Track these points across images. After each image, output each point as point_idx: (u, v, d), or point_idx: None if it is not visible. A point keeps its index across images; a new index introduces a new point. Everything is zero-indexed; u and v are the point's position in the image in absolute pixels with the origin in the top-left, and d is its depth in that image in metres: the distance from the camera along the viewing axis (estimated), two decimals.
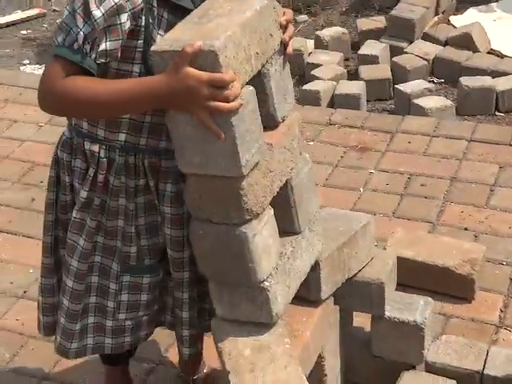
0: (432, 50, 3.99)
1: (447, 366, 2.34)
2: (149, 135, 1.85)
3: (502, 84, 3.71)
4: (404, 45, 4.02)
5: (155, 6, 1.77)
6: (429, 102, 3.53)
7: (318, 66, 3.89)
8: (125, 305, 2.06)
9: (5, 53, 4.68)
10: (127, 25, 1.71)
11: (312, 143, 3.45)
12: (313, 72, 3.83)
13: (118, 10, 1.68)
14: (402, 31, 4.07)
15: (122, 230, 1.95)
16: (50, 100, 1.78)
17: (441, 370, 2.34)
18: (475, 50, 4.04)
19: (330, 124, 3.54)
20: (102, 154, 1.89)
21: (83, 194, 1.93)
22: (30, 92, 3.83)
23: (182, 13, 1.78)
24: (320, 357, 2.26)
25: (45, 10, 5.15)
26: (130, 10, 1.71)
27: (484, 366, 2.30)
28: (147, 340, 2.22)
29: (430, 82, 3.90)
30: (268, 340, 1.93)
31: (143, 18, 1.76)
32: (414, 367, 2.34)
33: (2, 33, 4.96)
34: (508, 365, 2.30)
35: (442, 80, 3.94)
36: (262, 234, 1.84)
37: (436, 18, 4.26)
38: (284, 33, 1.85)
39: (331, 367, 2.35)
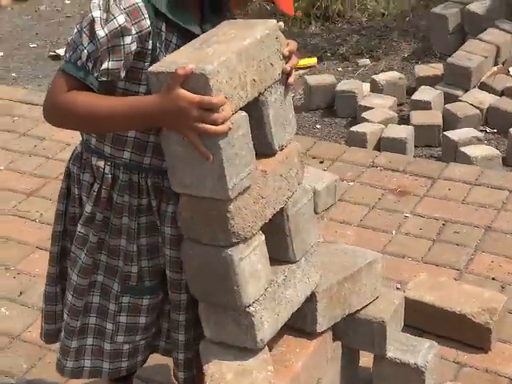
0: (487, 99, 3.94)
1: None
2: (153, 155, 1.89)
3: None
4: (459, 93, 3.98)
5: (164, 30, 1.84)
6: (475, 151, 3.50)
7: (370, 108, 3.91)
8: (123, 327, 2.08)
9: None
10: (133, 47, 1.77)
11: (352, 183, 3.47)
12: (363, 114, 3.85)
13: (122, 32, 1.74)
14: (458, 79, 4.04)
15: (124, 249, 1.99)
16: (53, 112, 1.85)
17: None
18: None
19: (373, 166, 3.54)
20: (106, 170, 1.94)
21: (88, 208, 1.98)
22: None
23: (190, 38, 1.83)
24: None
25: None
26: (137, 33, 1.78)
27: None
28: (145, 364, 2.23)
29: (482, 131, 3.85)
30: (251, 365, 1.94)
31: (150, 41, 1.82)
32: None
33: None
34: None
35: (495, 130, 3.89)
36: (251, 258, 1.85)
37: (495, 68, 4.21)
38: (286, 63, 1.88)
39: None
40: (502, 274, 2.91)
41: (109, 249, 2.02)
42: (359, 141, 3.68)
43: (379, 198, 3.35)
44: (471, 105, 3.88)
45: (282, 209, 1.96)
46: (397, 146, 3.63)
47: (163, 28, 1.85)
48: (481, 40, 4.28)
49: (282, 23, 1.91)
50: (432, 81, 4.14)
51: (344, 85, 4.13)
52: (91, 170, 1.97)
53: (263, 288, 1.91)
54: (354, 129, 3.76)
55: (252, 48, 1.77)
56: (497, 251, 3.02)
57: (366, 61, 4.58)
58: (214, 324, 1.98)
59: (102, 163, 1.95)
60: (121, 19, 1.75)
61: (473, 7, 4.43)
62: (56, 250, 2.12)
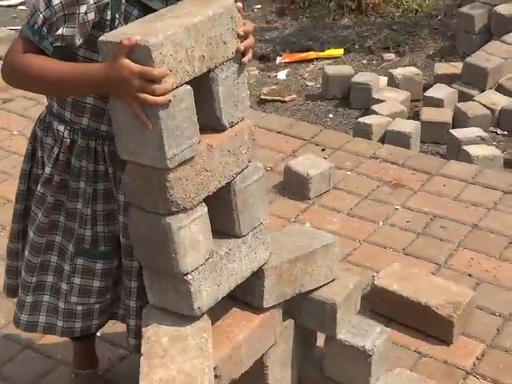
0: (501, 101, 3.90)
1: None
2: (109, 122, 1.93)
3: None
4: (475, 93, 3.98)
5: (123, 2, 1.89)
6: (476, 150, 3.50)
7: (382, 101, 3.94)
8: (77, 288, 2.13)
9: None
10: (90, 16, 1.82)
11: (349, 173, 3.50)
12: (373, 107, 3.89)
13: (77, 1, 1.79)
14: (475, 79, 4.03)
15: (79, 212, 2.05)
16: (8, 72, 1.92)
17: None
18: None
19: (373, 157, 3.57)
20: (65, 135, 2.01)
21: (47, 170, 2.06)
22: None
23: (151, 12, 1.88)
24: (263, 365, 2.31)
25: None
26: (94, 3, 1.83)
27: None
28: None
29: (492, 132, 3.85)
30: (187, 332, 1.99)
31: (109, 12, 1.87)
32: None
33: None
34: None
35: (505, 132, 3.87)
36: (191, 228, 1.90)
37: None
38: (241, 42, 1.91)
39: (277, 379, 2.39)
40: (479, 271, 2.93)
41: (66, 211, 2.08)
42: (365, 132, 3.72)
43: (373, 189, 3.38)
44: (483, 105, 3.87)
45: (229, 184, 2.00)
46: (401, 139, 3.65)
47: (123, 0, 1.90)
48: (503, 42, 4.26)
49: (240, 3, 1.94)
50: (450, 79, 4.14)
51: (360, 77, 4.16)
52: (53, 134, 2.04)
53: (203, 258, 1.96)
54: (360, 120, 3.81)
55: (202, 25, 1.81)
56: (478, 249, 3.04)
57: (391, 55, 4.62)
58: (157, 290, 2.03)
59: (62, 127, 2.03)
60: None
61: (500, 9, 4.44)
62: (19, 207, 2.20)
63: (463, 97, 3.98)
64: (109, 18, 1.89)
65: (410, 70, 4.24)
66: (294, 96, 4.25)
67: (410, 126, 3.72)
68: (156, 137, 1.75)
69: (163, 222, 1.87)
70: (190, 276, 1.93)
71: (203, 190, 1.93)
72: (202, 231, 1.95)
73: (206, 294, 1.99)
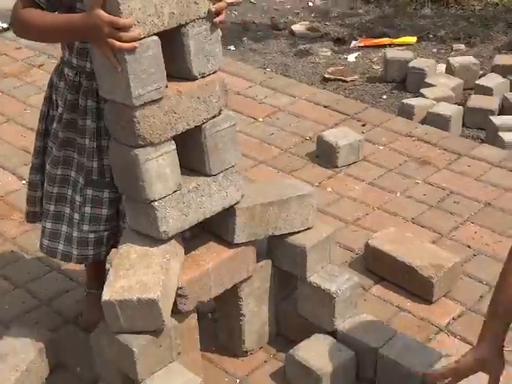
0: None
1: (352, 337, 2.46)
2: None
3: None
4: None
5: None
6: (511, 136, 3.56)
7: (433, 86, 4.03)
8: (88, 217, 2.35)
9: None
10: None
11: (382, 147, 3.61)
12: (422, 90, 3.99)
13: None
14: None
15: (87, 147, 2.28)
16: (15, 25, 2.19)
17: (346, 340, 2.47)
18: None
19: (409, 136, 3.67)
20: (72, 77, 2.25)
21: (59, 109, 2.30)
22: None
23: None
24: (237, 297, 2.51)
25: (240, 1, 5.52)
26: None
27: (383, 346, 2.41)
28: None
29: None
30: (153, 251, 2.19)
31: None
32: (327, 332, 2.50)
33: None
34: (404, 350, 2.40)
35: None
36: (158, 161, 2.09)
37: None
38: (214, 5, 2.07)
39: (254, 311, 2.57)
40: (479, 244, 3.00)
41: (77, 147, 2.31)
42: (408, 113, 3.82)
43: (400, 164, 3.48)
44: None
45: (200, 127, 2.18)
46: (441, 122, 3.73)
47: None
48: None
49: None
50: (507, 70, 4.16)
51: (417, 62, 4.24)
52: (64, 79, 2.27)
53: (171, 190, 2.15)
54: (405, 101, 3.91)
55: None
56: (485, 224, 3.09)
57: (460, 46, 4.67)
58: (132, 214, 2.24)
59: (70, 72, 2.25)
60: None
61: None
62: (38, 144, 2.44)
63: None
64: None
65: (468, 59, 4.28)
66: (356, 77, 4.37)
67: (451, 110, 3.78)
68: (124, 78, 1.94)
69: (132, 154, 2.06)
70: (156, 203, 2.12)
71: (171, 129, 2.10)
72: (169, 165, 2.14)
73: (172, 221, 2.18)
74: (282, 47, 4.83)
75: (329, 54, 4.72)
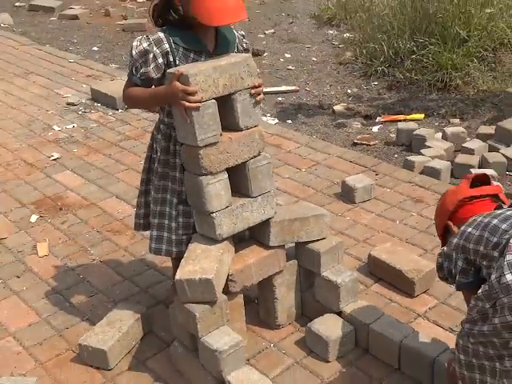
0: None
1: (352, 316, 2.55)
2: None
3: None
4: (502, 147, 3.99)
5: (181, 50, 2.29)
6: None
7: (430, 148, 4.09)
8: (181, 224, 2.50)
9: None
10: (159, 60, 2.26)
11: (388, 190, 3.65)
12: (421, 150, 4.06)
13: (146, 51, 2.26)
14: (504, 137, 4.06)
15: (178, 177, 2.44)
16: (124, 99, 2.45)
17: (347, 318, 2.55)
18: None
19: (409, 182, 3.72)
20: (165, 131, 2.45)
21: (158, 153, 2.49)
22: None
23: (204, 56, 2.31)
24: (272, 285, 2.59)
25: (298, 88, 5.57)
26: (160, 52, 2.26)
27: (373, 322, 2.48)
28: None
29: (507, 175, 3.86)
30: (211, 248, 2.35)
31: (171, 56, 2.28)
32: (335, 312, 2.57)
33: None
34: (388, 326, 2.46)
35: None
36: (216, 185, 2.27)
37: None
38: (257, 86, 2.28)
39: (284, 296, 2.64)
40: None
41: (170, 178, 2.48)
42: (409, 166, 3.90)
43: (400, 202, 3.52)
44: (504, 155, 3.92)
45: (245, 163, 2.33)
46: (434, 173, 3.79)
47: (181, 49, 2.29)
48: None
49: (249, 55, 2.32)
50: (487, 137, 4.20)
51: (420, 131, 4.29)
52: (161, 132, 2.48)
53: (224, 206, 2.31)
54: (408, 157, 3.98)
55: (226, 66, 2.20)
56: None
57: (455, 120, 4.70)
58: (198, 222, 2.41)
59: (164, 127, 2.46)
60: (145, 45, 2.25)
61: None
62: (144, 177, 2.62)
63: (492, 149, 4.04)
64: (171, 59, 2.28)
65: (458, 129, 4.32)
66: (376, 142, 4.46)
67: (442, 165, 3.82)
68: (192, 128, 2.17)
69: (198, 180, 2.26)
70: (214, 214, 2.29)
71: (224, 163, 2.29)
72: (223, 188, 2.30)
73: (225, 227, 2.34)
74: (325, 121, 4.87)
75: (359, 126, 4.78)
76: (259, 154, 2.39)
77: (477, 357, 1.79)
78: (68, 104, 5.11)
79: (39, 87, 5.50)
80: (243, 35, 2.53)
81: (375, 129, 4.71)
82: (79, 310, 2.83)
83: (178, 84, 2.16)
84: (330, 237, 2.66)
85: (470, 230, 1.83)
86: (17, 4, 8.74)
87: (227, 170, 2.34)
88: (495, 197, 2.02)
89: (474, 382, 1.85)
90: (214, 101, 2.21)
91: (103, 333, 2.54)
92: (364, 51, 5.91)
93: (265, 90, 5.20)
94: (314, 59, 6.19)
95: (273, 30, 7.18)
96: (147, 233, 2.70)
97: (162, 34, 2.29)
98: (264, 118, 4.89)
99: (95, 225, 3.49)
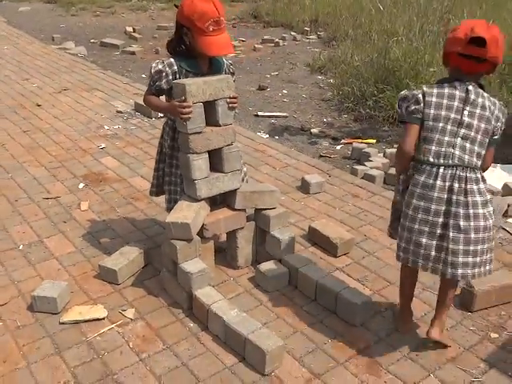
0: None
1: (287, 262, 2.71)
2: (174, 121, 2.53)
3: None
4: None
5: (184, 71, 2.48)
6: None
7: (371, 161, 4.19)
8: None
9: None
10: (170, 77, 2.46)
11: (335, 187, 3.75)
12: (365, 163, 4.16)
13: (160, 71, 2.47)
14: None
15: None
16: (145, 102, 2.62)
17: (285, 263, 2.69)
18: None
19: (351, 183, 3.84)
20: (172, 126, 2.61)
21: (168, 140, 2.65)
22: None
23: (200, 76, 2.50)
24: (235, 237, 2.77)
25: (288, 115, 5.71)
26: (171, 72, 2.46)
27: (302, 267, 2.69)
28: None
29: None
30: (193, 204, 2.57)
31: (178, 75, 2.48)
32: (277, 260, 2.74)
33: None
34: (311, 270, 2.66)
35: None
36: (199, 162, 2.50)
37: None
38: (232, 97, 2.47)
39: (243, 246, 2.81)
40: (371, 234, 3.18)
41: (175, 157, 2.63)
42: (354, 173, 3.99)
43: (342, 195, 3.60)
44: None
45: (221, 149, 2.53)
46: (371, 179, 3.88)
47: (183, 71, 2.49)
48: None
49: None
50: None
51: (367, 149, 4.36)
52: (168, 126, 2.64)
53: (204, 176, 2.52)
54: (354, 166, 4.07)
55: (212, 81, 2.44)
56: (378, 226, 3.26)
57: (396, 145, 4.86)
58: (186, 187, 2.60)
59: (170, 122, 2.61)
60: (160, 66, 2.47)
61: None
62: (157, 157, 2.73)
63: None
64: (177, 77, 2.48)
65: (394, 150, 4.29)
66: (337, 156, 4.58)
67: (377, 173, 3.92)
68: (186, 125, 2.41)
69: (187, 157, 2.48)
70: (196, 181, 2.52)
71: (206, 146, 2.49)
72: (204, 164, 2.52)
73: (203, 191, 2.55)
74: (303, 139, 4.98)
75: (327, 144, 4.91)
76: (231, 144, 2.57)
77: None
78: (117, 112, 5.42)
79: (99, 99, 5.81)
80: (230, 63, 2.72)
81: (338, 147, 4.85)
82: (103, 246, 3.09)
83: (175, 103, 2.39)
84: (279, 208, 2.84)
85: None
86: (92, 40, 9.09)
87: (208, 152, 2.53)
88: (477, 59, 1.96)
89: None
90: (201, 104, 2.44)
91: (116, 259, 2.78)
92: (340, 92, 6.17)
93: (262, 114, 5.68)
94: (304, 96, 6.41)
95: (277, 73, 7.45)
96: (156, 199, 2.91)
97: (172, 60, 2.51)
98: (258, 133, 5.08)
99: (123, 193, 3.70)
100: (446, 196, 2.02)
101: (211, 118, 2.50)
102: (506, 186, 3.77)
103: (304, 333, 2.42)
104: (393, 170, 4.07)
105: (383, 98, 5.52)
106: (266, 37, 9.15)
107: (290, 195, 3.70)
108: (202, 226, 2.60)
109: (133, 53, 8.24)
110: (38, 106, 5.56)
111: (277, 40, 8.89)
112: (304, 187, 3.75)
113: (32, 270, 2.88)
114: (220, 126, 2.52)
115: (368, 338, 2.39)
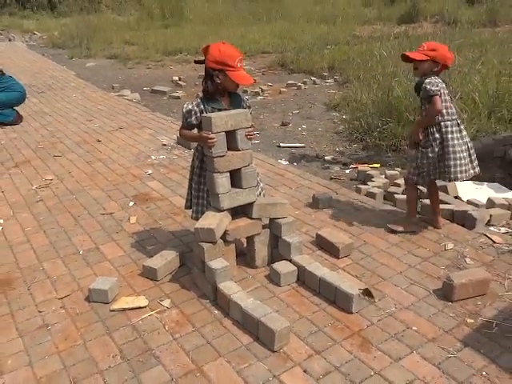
0: None
1: (296, 262, 2.77)
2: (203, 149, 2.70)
3: None
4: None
5: (210, 108, 2.61)
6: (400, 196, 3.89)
7: (373, 181, 4.26)
8: (208, 202, 2.79)
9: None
10: (198, 114, 2.60)
11: (341, 203, 3.83)
12: (368, 182, 4.21)
13: (190, 110, 2.63)
14: None
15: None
16: (179, 134, 2.76)
17: (294, 263, 2.76)
18: None
19: (356, 200, 3.86)
20: (201, 150, 2.71)
21: (197, 162, 2.78)
22: None
23: (224, 110, 2.63)
24: (253, 242, 2.85)
25: (305, 145, 5.80)
26: (199, 110, 2.62)
27: (307, 266, 2.81)
28: None
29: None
30: (217, 213, 2.68)
31: (204, 112, 2.62)
32: (289, 260, 2.79)
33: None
34: (316, 268, 2.74)
35: None
36: (222, 179, 2.61)
37: None
38: (250, 128, 2.58)
39: (260, 249, 2.88)
40: (366, 239, 3.26)
41: (203, 176, 2.75)
42: (358, 191, 4.02)
43: (346, 209, 3.60)
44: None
45: (240, 169, 2.63)
46: (372, 196, 3.90)
47: (209, 109, 2.62)
48: None
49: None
50: None
51: (370, 172, 4.43)
52: (198, 151, 2.75)
53: (226, 191, 2.63)
54: (358, 186, 4.12)
55: (234, 114, 2.56)
56: (367, 229, 3.37)
57: (398, 169, 4.75)
58: (212, 199, 2.71)
59: (200, 148, 2.71)
60: (190, 107, 2.62)
61: None
62: (190, 177, 2.87)
63: None
64: (205, 113, 2.61)
65: (394, 172, 4.39)
66: (345, 178, 4.64)
67: (378, 191, 3.93)
68: (212, 149, 2.58)
69: (212, 175, 2.60)
70: (220, 195, 2.62)
71: (228, 167, 2.61)
72: (226, 181, 2.63)
73: (226, 202, 2.65)
74: (318, 165, 5.03)
75: (338, 169, 4.95)
76: (249, 165, 2.68)
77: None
78: (163, 145, 5.65)
79: (148, 135, 6.06)
80: (247, 98, 2.86)
81: (347, 171, 4.91)
82: (147, 251, 3.21)
83: (204, 134, 2.56)
84: (290, 217, 2.91)
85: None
86: (144, 88, 9.48)
87: (230, 172, 2.65)
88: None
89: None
90: (223, 133, 2.59)
91: (156, 260, 2.92)
92: (351, 125, 6.29)
93: (284, 144, 5.86)
94: (320, 129, 6.51)
95: (298, 111, 7.60)
96: (190, 213, 2.99)
97: (199, 100, 2.66)
98: (279, 160, 5.22)
99: (165, 209, 3.79)
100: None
101: (232, 144, 2.62)
102: (489, 200, 3.82)
103: (308, 318, 2.53)
104: (392, 189, 4.13)
105: (387, 129, 5.60)
106: (289, 81, 9.38)
107: (302, 210, 3.79)
108: (225, 231, 2.72)
109: (178, 97, 8.55)
110: (99, 141, 5.88)
111: (299, 84, 9.10)
112: (314, 203, 3.79)
113: (89, 269, 3.08)
114: (239, 150, 2.63)
115: (362, 323, 2.47)
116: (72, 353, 2.34)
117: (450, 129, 3.00)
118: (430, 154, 3.04)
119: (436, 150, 3.02)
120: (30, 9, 23.08)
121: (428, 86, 2.93)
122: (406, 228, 3.24)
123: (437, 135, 3.01)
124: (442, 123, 2.99)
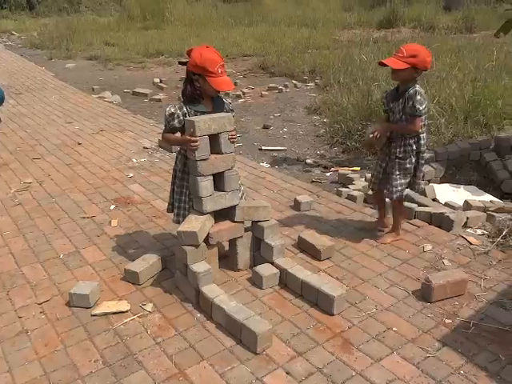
0: None
1: (278, 264, 2.80)
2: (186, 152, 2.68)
3: None
4: None
5: (193, 112, 2.61)
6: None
7: (353, 184, 4.27)
8: (190, 206, 2.75)
9: None
10: (181, 117, 2.59)
11: (321, 205, 3.85)
12: (349, 185, 4.22)
13: (173, 113, 2.61)
14: None
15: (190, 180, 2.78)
16: (162, 138, 2.77)
17: (276, 266, 2.80)
18: None
19: (335, 202, 3.91)
20: (184, 153, 2.73)
21: (179, 166, 2.78)
22: None
23: (207, 114, 2.64)
24: (236, 245, 2.87)
25: (286, 148, 5.94)
26: (181, 113, 2.60)
27: (289, 269, 2.85)
28: None
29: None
30: (200, 217, 2.68)
31: (187, 115, 2.61)
32: (271, 263, 2.80)
33: None
34: (297, 271, 2.77)
35: None
36: (205, 182, 2.62)
37: None
38: (233, 132, 2.59)
39: (242, 252, 2.91)
40: (346, 242, 3.31)
41: (186, 179, 2.73)
42: (339, 193, 4.04)
43: (327, 212, 3.63)
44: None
45: (223, 172, 2.63)
46: (352, 198, 3.90)
47: (192, 112, 2.62)
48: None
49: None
50: None
51: (350, 175, 4.45)
52: (181, 155, 2.76)
53: (209, 194, 2.63)
54: (339, 189, 4.14)
55: (217, 118, 2.57)
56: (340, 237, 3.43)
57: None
58: (195, 203, 2.72)
59: (183, 151, 2.74)
60: (173, 110, 2.61)
61: None
62: (172, 181, 2.84)
63: None
64: (187, 116, 2.58)
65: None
66: (325, 181, 4.67)
67: (358, 194, 3.95)
68: (195, 154, 2.58)
69: (196, 178, 2.61)
70: (203, 198, 2.63)
71: (211, 170, 2.61)
72: (209, 184, 2.63)
73: (209, 206, 2.66)
74: (299, 168, 5.05)
75: (319, 172, 4.98)
76: (232, 168, 2.69)
77: None
78: (144, 148, 5.61)
79: (129, 138, 6.02)
80: (230, 102, 2.87)
81: (328, 174, 4.94)
82: (129, 255, 3.21)
83: (188, 137, 2.56)
84: (272, 220, 2.93)
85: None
86: (125, 90, 9.38)
87: (213, 175, 2.66)
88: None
89: None
90: (207, 136, 2.59)
91: (138, 264, 2.92)
92: (331, 129, 6.34)
93: (265, 147, 5.86)
94: (301, 132, 6.53)
95: (279, 114, 7.62)
96: (172, 216, 2.97)
97: (182, 104, 2.67)
98: (261, 163, 5.23)
99: (146, 213, 3.79)
100: None
101: (215, 148, 2.63)
102: (466, 202, 3.90)
103: (291, 320, 2.55)
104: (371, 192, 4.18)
105: (366, 133, 5.68)
106: (271, 85, 9.41)
107: (284, 212, 3.82)
108: (208, 234, 2.72)
109: (159, 100, 8.50)
110: (79, 144, 5.81)
111: (280, 87, 9.14)
112: (296, 206, 3.80)
113: (70, 274, 3.05)
114: (222, 153, 2.64)
115: (343, 325, 2.50)
116: (52, 358, 2.32)
117: (423, 141, 3.05)
118: (408, 165, 3.05)
119: (413, 160, 3.04)
120: (7, 9, 22.71)
121: (417, 105, 2.90)
122: (396, 238, 3.26)
123: (414, 147, 3.03)
124: (421, 135, 3.02)
